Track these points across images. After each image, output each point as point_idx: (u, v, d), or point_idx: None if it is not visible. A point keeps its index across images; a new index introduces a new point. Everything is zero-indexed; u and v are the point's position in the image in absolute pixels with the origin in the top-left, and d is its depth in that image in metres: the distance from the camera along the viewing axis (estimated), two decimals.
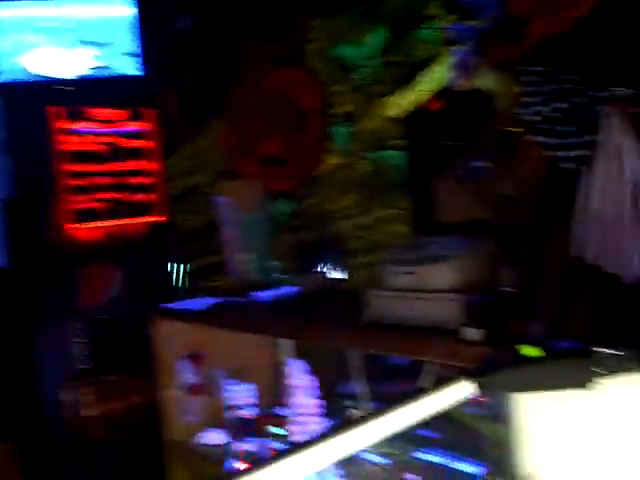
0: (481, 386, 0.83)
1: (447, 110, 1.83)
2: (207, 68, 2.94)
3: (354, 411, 1.70)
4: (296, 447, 0.73)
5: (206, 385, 2.47)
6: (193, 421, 2.49)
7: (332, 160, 2.48)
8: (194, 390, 2.50)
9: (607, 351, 0.83)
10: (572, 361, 0.82)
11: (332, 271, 2.42)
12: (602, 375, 0.81)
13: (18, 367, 3.11)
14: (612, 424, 0.85)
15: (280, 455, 0.72)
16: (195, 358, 2.51)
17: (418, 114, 2.06)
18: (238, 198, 2.34)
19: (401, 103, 2.10)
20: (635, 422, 0.83)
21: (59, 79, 2.96)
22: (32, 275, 2.89)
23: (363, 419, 0.79)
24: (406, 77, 2.07)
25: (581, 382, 0.81)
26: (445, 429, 1.74)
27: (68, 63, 2.99)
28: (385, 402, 0.85)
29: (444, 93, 1.74)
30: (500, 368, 0.84)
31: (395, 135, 2.22)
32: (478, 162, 1.81)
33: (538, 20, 0.87)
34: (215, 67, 2.89)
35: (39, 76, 2.95)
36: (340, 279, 2.36)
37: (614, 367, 0.82)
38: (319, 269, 2.46)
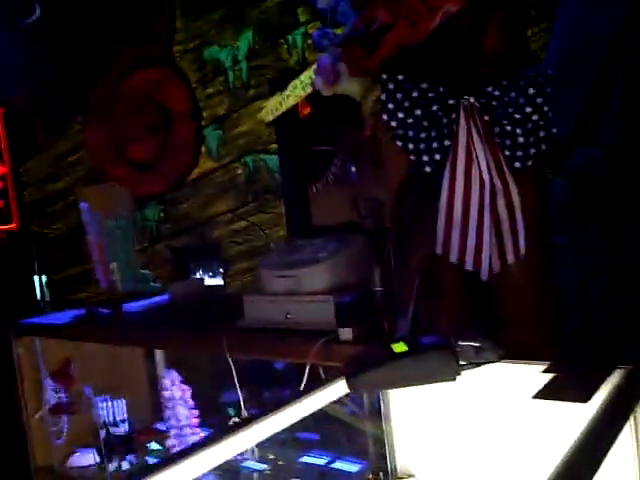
0: (350, 385, 0.85)
1: (318, 115, 1.87)
2: (66, 65, 2.75)
3: (235, 419, 1.68)
4: (172, 458, 0.70)
5: (75, 403, 2.34)
6: (61, 443, 2.35)
7: (205, 164, 2.44)
8: (61, 409, 2.35)
9: (468, 344, 0.88)
10: (436, 355, 0.87)
11: (209, 277, 2.38)
12: (464, 367, 0.86)
13: None
14: (474, 412, 0.91)
15: (156, 467, 0.69)
16: (61, 375, 2.36)
17: (290, 119, 2.08)
18: (100, 204, 2.23)
19: (273, 107, 2.12)
20: (494, 409, 0.89)
21: None
22: None
23: (241, 425, 0.78)
24: (277, 81, 2.09)
25: (444, 375, 0.85)
26: (324, 430, 1.78)
27: None
28: (265, 407, 0.84)
29: (315, 98, 1.77)
30: (369, 365, 0.86)
31: (268, 139, 2.23)
32: (349, 166, 1.86)
33: (393, 31, 0.91)
34: (74, 64, 2.72)
35: None
36: (217, 285, 2.33)
37: (474, 358, 0.87)
38: (195, 276, 2.41)
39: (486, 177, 0.96)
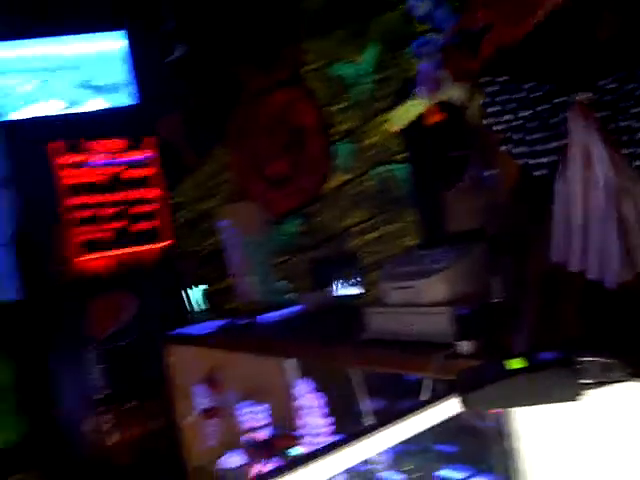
0: (464, 402, 0.82)
1: (447, 122, 1.83)
2: (206, 94, 2.98)
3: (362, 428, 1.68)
4: (305, 458, 0.72)
5: (222, 408, 2.49)
6: (211, 445, 2.51)
7: (337, 177, 2.49)
8: (210, 414, 2.51)
9: (593, 360, 0.80)
10: (557, 372, 0.80)
11: (346, 288, 2.42)
12: (589, 386, 0.79)
13: (39, 397, 3.15)
14: (601, 434, 0.83)
15: (290, 466, 0.72)
16: (209, 382, 2.52)
17: (418, 127, 2.05)
18: (239, 221, 2.36)
19: (400, 117, 2.10)
20: (623, 431, 0.81)
21: (57, 115, 3.03)
22: (45, 307, 2.93)
23: (358, 435, 0.79)
24: (402, 92, 2.07)
25: (567, 394, 0.79)
26: (464, 442, 1.72)
27: (65, 99, 3.06)
28: (389, 418, 0.84)
29: (443, 105, 1.74)
30: (483, 382, 0.82)
31: (397, 149, 2.22)
32: (482, 172, 1.80)
33: (494, 31, 0.87)
34: (214, 93, 2.93)
35: (38, 114, 3.03)
36: (352, 296, 2.36)
37: (601, 376, 0.79)
38: (332, 287, 2.46)
39: (606, 177, 0.88)
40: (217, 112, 2.96)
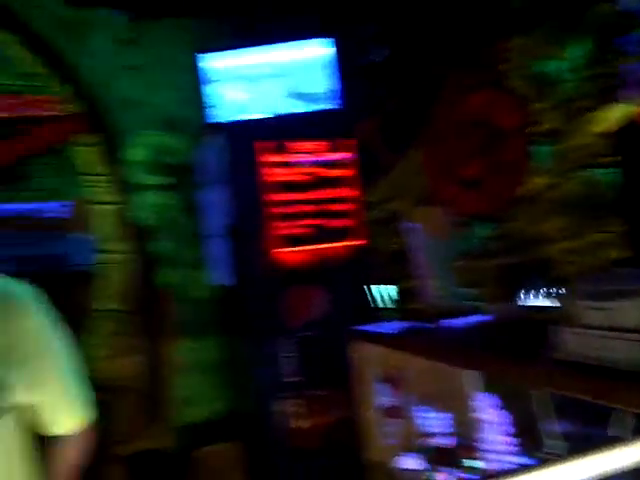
0: None
1: None
2: (406, 96, 3.01)
3: (547, 451, 1.58)
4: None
5: (401, 409, 2.50)
6: (390, 443, 2.54)
7: (537, 181, 2.36)
8: (390, 413, 2.54)
9: None
10: None
11: (537, 300, 2.28)
12: None
13: (240, 375, 3.47)
14: None
15: None
16: (391, 381, 2.55)
17: (630, 128, 1.87)
18: (426, 224, 2.34)
19: (610, 117, 1.93)
20: None
21: (265, 117, 3.28)
22: (249, 294, 3.21)
23: (556, 461, 0.75)
24: (613, 90, 1.90)
25: None
26: None
27: (272, 102, 3.30)
28: (576, 445, 0.79)
29: None
30: None
31: (605, 152, 2.04)
32: None
33: None
34: (413, 94, 2.95)
35: (248, 116, 3.31)
36: (543, 308, 2.22)
37: None
38: (521, 296, 2.33)
39: None
40: (415, 114, 2.98)
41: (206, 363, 3.87)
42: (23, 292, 1.12)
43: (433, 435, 2.32)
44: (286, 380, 3.16)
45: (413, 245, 2.34)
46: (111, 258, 3.70)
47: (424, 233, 2.32)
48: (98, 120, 3.73)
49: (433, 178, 2.86)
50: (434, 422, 2.33)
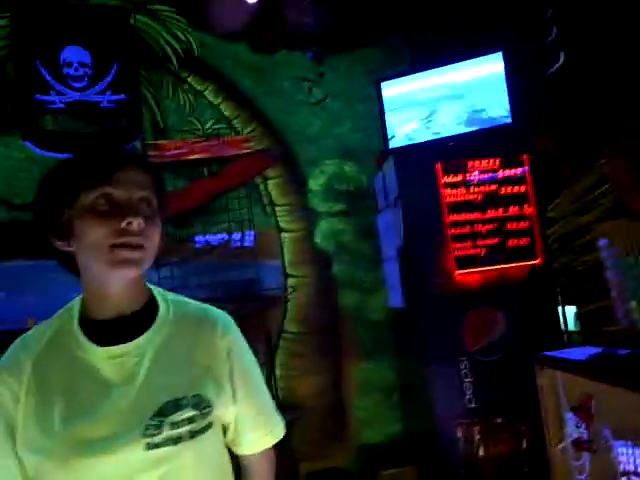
0: None
1: None
2: (586, 106, 2.82)
3: None
4: None
5: (594, 442, 2.30)
6: (579, 478, 2.34)
7: None
8: (581, 446, 2.35)
9: None
10: None
11: None
12: None
13: (416, 398, 3.44)
14: None
15: None
16: (581, 411, 2.36)
17: None
18: (618, 239, 2.15)
19: None
20: None
21: (440, 138, 3.27)
22: (424, 316, 3.19)
23: None
24: None
25: None
26: None
27: (448, 122, 3.29)
28: None
29: None
30: None
31: None
32: None
33: None
34: (595, 104, 2.75)
35: (424, 138, 3.33)
36: None
37: None
38: None
39: None
40: (597, 123, 2.78)
41: (382, 385, 3.93)
42: (222, 316, 1.21)
43: (629, 473, 2.09)
44: (464, 405, 3.07)
45: (607, 262, 2.16)
46: (295, 282, 3.95)
47: (618, 249, 2.14)
48: (283, 154, 4.05)
49: (623, 189, 2.62)
50: (631, 458, 2.10)
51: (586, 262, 3.02)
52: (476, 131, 3.22)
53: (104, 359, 1.05)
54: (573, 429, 2.36)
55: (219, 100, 4.04)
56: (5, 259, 3.56)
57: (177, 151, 3.79)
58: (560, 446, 2.42)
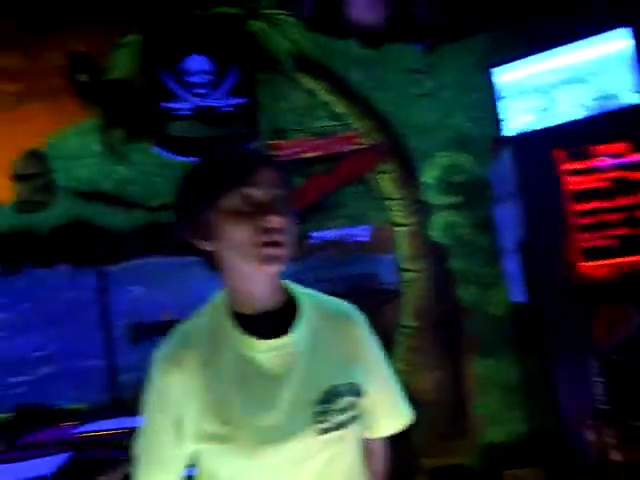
0: None
1: None
2: None
3: None
4: None
5: None
6: None
7: None
8: None
9: None
10: None
11: None
12: None
13: (543, 397, 3.30)
14: None
15: None
16: None
17: None
18: None
19: None
20: None
21: (562, 123, 3.10)
22: (549, 311, 3.05)
23: None
24: None
25: None
26: None
27: (568, 106, 3.10)
28: None
29: None
30: None
31: None
32: None
33: None
34: None
35: (543, 125, 3.16)
36: None
37: None
38: None
39: None
40: None
41: (504, 381, 3.80)
42: (354, 309, 1.27)
43: None
44: (594, 406, 2.90)
45: None
46: (410, 276, 3.92)
47: None
48: (396, 147, 4.03)
49: None
50: None
51: None
52: (600, 114, 3.01)
53: (265, 351, 1.11)
54: None
55: (332, 98, 4.10)
56: (142, 256, 3.86)
57: (293, 150, 3.91)
58: None
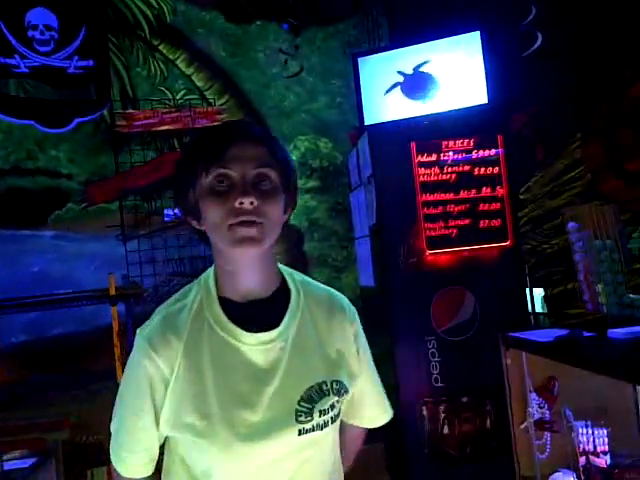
0: None
1: None
2: (561, 87, 2.81)
3: None
4: None
5: (556, 422, 2.34)
6: (542, 459, 2.39)
7: None
8: (543, 425, 2.39)
9: None
10: None
11: None
12: None
13: (385, 377, 3.46)
14: None
15: None
16: (544, 392, 2.40)
17: None
18: (589, 222, 2.16)
19: None
20: None
21: (416, 116, 3.23)
22: (393, 295, 3.19)
23: None
24: None
25: None
26: None
27: (423, 101, 3.25)
28: None
29: None
30: None
31: None
32: None
33: None
34: (570, 85, 2.75)
35: (399, 116, 3.29)
36: None
37: None
38: None
39: None
40: (572, 106, 2.78)
41: None
42: (346, 301, 1.23)
43: (591, 453, 2.14)
44: (431, 384, 3.10)
45: (575, 245, 2.18)
46: None
47: (587, 232, 2.15)
48: None
49: (596, 173, 2.63)
50: (590, 439, 2.15)
51: (555, 245, 3.05)
52: (452, 111, 3.19)
53: (252, 345, 1.06)
54: (536, 409, 2.40)
55: (191, 70, 3.93)
56: None
57: (147, 121, 3.69)
58: (522, 425, 2.45)
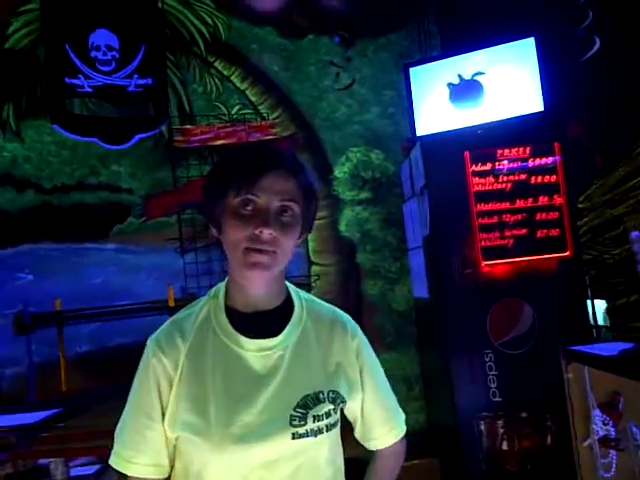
0: None
1: None
2: (621, 93, 2.72)
3: None
4: None
5: (622, 440, 2.25)
6: (609, 477, 2.30)
7: None
8: (607, 443, 2.30)
9: None
10: None
11: None
12: None
13: (439, 389, 3.41)
14: None
15: None
16: (609, 408, 2.31)
17: None
18: None
19: None
20: None
21: (470, 126, 3.20)
22: (448, 307, 3.15)
23: None
24: None
25: None
26: None
27: (476, 110, 3.21)
28: None
29: None
30: None
31: None
32: None
33: None
34: (629, 92, 2.66)
35: (452, 126, 3.26)
36: None
37: None
38: None
39: None
40: (631, 111, 2.68)
41: (405, 376, 3.90)
42: (350, 318, 1.27)
43: None
44: (488, 398, 3.03)
45: (638, 255, 2.09)
46: (319, 270, 3.93)
47: None
48: (309, 140, 4.01)
49: None
50: None
51: (617, 255, 2.94)
52: (506, 119, 3.13)
53: (253, 351, 1.11)
54: (600, 426, 2.31)
55: (245, 85, 4.01)
56: (33, 242, 3.61)
57: (203, 136, 3.79)
58: (586, 443, 2.37)
